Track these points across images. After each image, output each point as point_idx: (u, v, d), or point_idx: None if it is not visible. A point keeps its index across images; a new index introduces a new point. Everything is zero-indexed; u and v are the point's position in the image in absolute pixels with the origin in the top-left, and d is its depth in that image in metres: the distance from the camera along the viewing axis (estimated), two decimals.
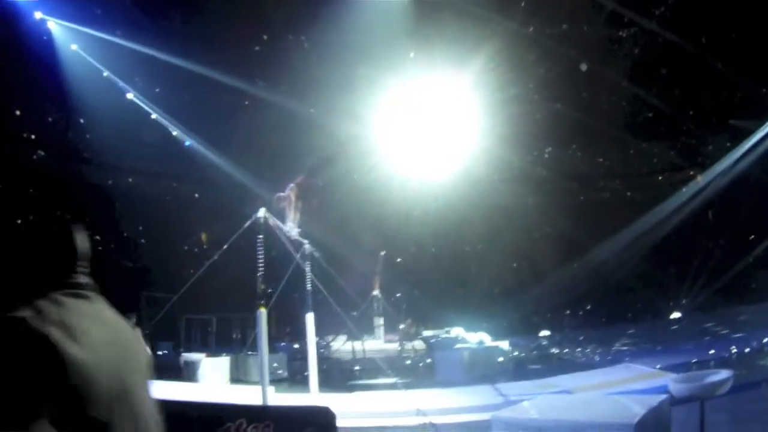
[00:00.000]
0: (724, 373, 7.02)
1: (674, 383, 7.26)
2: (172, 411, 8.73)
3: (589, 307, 29.54)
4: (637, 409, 6.35)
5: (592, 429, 6.08)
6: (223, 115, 26.02)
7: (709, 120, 26.81)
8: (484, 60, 23.60)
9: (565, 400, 7.73)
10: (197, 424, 8.48)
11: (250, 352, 19.17)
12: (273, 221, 11.14)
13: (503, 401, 11.25)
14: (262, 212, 10.79)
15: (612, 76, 26.81)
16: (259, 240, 10.57)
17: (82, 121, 25.94)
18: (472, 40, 23.94)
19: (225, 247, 11.41)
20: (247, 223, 10.74)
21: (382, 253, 27.22)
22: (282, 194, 12.44)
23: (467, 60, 23.63)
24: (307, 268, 12.86)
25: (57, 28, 22.92)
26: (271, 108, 25.49)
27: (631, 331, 23.09)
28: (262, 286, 10.38)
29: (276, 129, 25.88)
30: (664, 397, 7.05)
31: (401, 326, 25.60)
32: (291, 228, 12.05)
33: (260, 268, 10.45)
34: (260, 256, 10.49)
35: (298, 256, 12.60)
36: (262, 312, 10.27)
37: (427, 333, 26.27)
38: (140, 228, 30.01)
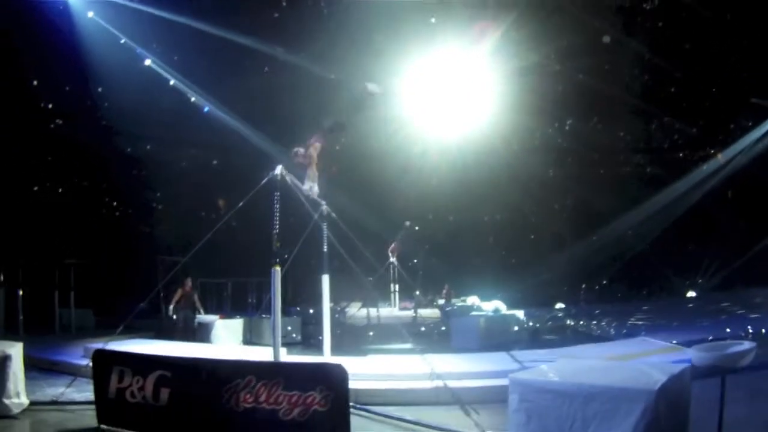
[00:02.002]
0: (747, 344, 6.86)
1: (696, 352, 7.10)
2: (180, 367, 8.78)
3: (605, 282, 29.47)
4: (659, 375, 6.22)
5: (613, 393, 5.97)
6: (243, 81, 25.90)
7: (731, 97, 26.46)
8: (506, 28, 23.32)
9: (585, 364, 7.56)
10: (205, 380, 8.45)
11: (264, 315, 19.19)
12: (291, 179, 10.99)
13: (519, 367, 11.15)
14: (279, 169, 10.65)
15: (635, 49, 26.50)
16: (275, 197, 10.43)
17: (100, 89, 25.88)
18: (494, 7, 23.70)
19: (240, 205, 11.22)
20: (264, 180, 10.58)
21: (407, 222, 27.11)
22: (300, 149, 12.14)
23: (489, 27, 23.36)
24: (324, 229, 12.75)
25: None
26: (291, 73, 25.35)
27: (646, 307, 22.99)
28: (278, 244, 10.26)
29: (296, 95, 25.74)
30: (685, 365, 6.91)
31: (416, 293, 25.56)
32: (310, 187, 11.85)
33: (276, 226, 10.32)
34: (276, 214, 10.36)
35: (315, 216, 12.46)
36: (277, 270, 10.16)
37: (441, 301, 26.28)
38: (158, 194, 30.07)
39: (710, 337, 13.53)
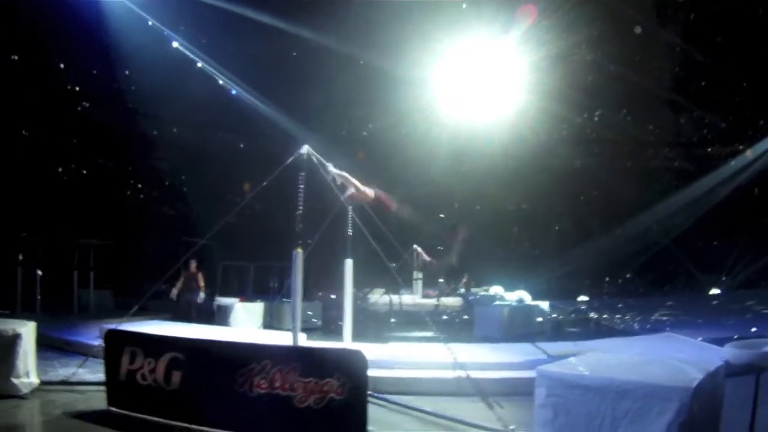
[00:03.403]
0: None
1: (732, 349, 6.86)
2: (194, 349, 8.63)
3: (628, 275, 29.26)
4: (695, 372, 6.00)
5: (646, 390, 5.75)
6: (271, 65, 25.82)
7: (762, 92, 26.08)
8: (537, 17, 23.08)
9: (616, 358, 7.32)
10: (219, 364, 8.30)
11: (285, 299, 19.07)
12: (317, 158, 10.83)
13: (545, 359, 10.95)
14: (305, 148, 10.48)
15: (667, 40, 26.20)
16: (300, 177, 10.26)
17: (126, 72, 25.88)
18: None
19: (263, 184, 11.06)
20: (290, 159, 10.42)
21: (441, 215, 26.93)
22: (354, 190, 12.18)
23: (519, 14, 23.14)
24: (350, 211, 12.58)
25: None
26: (320, 58, 25.26)
27: (669, 303, 22.73)
28: (301, 226, 10.10)
29: (325, 80, 25.65)
30: (720, 363, 6.68)
31: (440, 281, 25.44)
32: (336, 172, 11.73)
33: (300, 207, 10.16)
34: (300, 194, 10.20)
35: (342, 197, 12.29)
36: (299, 252, 9.99)
37: (462, 290, 26.14)
38: (184, 177, 30.14)
39: (736, 336, 13.27)
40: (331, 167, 11.61)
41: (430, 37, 22.98)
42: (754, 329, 15.79)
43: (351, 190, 12.34)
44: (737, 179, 26.47)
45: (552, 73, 24.36)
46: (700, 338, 13.51)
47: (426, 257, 25.88)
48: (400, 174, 27.52)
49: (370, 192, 12.52)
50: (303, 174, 10.37)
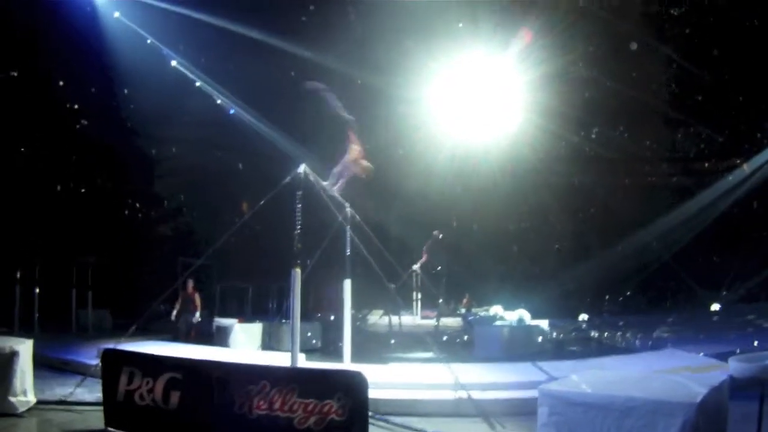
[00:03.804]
0: None
1: (736, 363, 6.79)
2: (192, 369, 8.56)
3: (628, 293, 29.18)
4: (698, 387, 5.94)
5: (650, 406, 5.69)
6: (269, 84, 25.84)
7: (759, 106, 26.14)
8: (532, 35, 23.15)
9: (618, 375, 7.27)
10: (218, 385, 8.22)
11: (284, 320, 18.97)
12: (314, 178, 10.81)
13: (546, 378, 10.86)
14: (302, 167, 10.46)
15: (663, 55, 26.27)
16: (297, 196, 10.23)
17: (125, 90, 25.92)
18: (520, 13, 23.53)
19: (261, 203, 11.03)
20: (287, 179, 10.39)
21: (436, 232, 26.83)
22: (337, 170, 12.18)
23: (515, 34, 23.20)
24: (348, 231, 12.55)
25: None
26: (318, 77, 25.27)
27: (670, 319, 22.69)
28: (299, 245, 10.05)
29: (322, 99, 25.66)
30: (724, 377, 6.64)
31: (440, 301, 25.34)
32: (332, 183, 11.74)
33: (297, 226, 10.12)
34: (298, 213, 10.16)
35: (340, 218, 12.27)
36: (297, 272, 9.96)
37: (463, 310, 26.05)
38: (182, 197, 30.12)
39: (738, 350, 13.21)
40: (328, 185, 11.61)
41: (427, 55, 23.03)
42: (756, 343, 15.73)
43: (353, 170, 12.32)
44: (735, 193, 26.43)
45: (549, 91, 24.39)
46: (702, 353, 13.46)
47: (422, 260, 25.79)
48: (398, 193, 27.50)
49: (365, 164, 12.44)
50: (300, 193, 10.34)
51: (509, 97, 23.83)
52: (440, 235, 26.56)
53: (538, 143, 26.13)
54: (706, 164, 29.37)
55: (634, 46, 25.37)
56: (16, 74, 24.15)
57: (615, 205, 27.76)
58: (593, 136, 28.65)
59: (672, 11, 25.93)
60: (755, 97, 26.05)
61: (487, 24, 23.41)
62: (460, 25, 23.64)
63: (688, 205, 27.21)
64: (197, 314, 19.65)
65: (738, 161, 27.50)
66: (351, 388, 7.53)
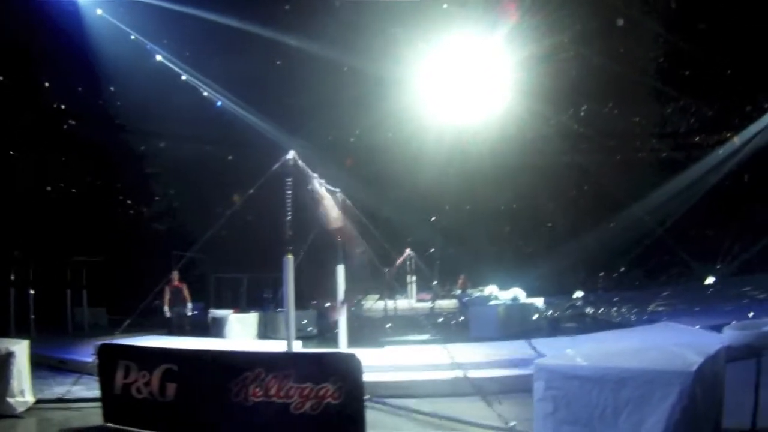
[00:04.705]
0: None
1: (732, 330, 6.78)
2: (187, 359, 8.50)
3: (623, 269, 29.23)
4: (694, 356, 5.90)
5: (647, 377, 5.64)
6: (256, 74, 25.74)
7: (748, 79, 26.10)
8: (521, 15, 23.06)
9: (614, 347, 7.24)
10: (213, 374, 8.17)
11: (279, 309, 18.96)
12: (303, 164, 10.71)
13: (541, 355, 10.85)
14: (291, 154, 10.38)
15: (650, 31, 26.19)
16: (287, 183, 10.15)
17: (111, 88, 25.78)
18: None
19: (250, 192, 10.94)
20: (276, 165, 10.31)
21: (433, 217, 26.77)
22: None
23: (501, 14, 23.12)
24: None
25: None
26: (304, 65, 25.18)
27: (666, 293, 22.72)
28: (290, 232, 9.99)
29: (309, 86, 25.56)
30: (720, 346, 6.60)
31: (434, 283, 25.36)
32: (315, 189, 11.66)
33: (288, 213, 10.05)
34: (288, 200, 10.08)
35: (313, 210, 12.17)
36: (290, 258, 9.91)
37: (458, 291, 26.07)
38: (173, 192, 30.02)
39: (734, 321, 13.21)
40: (315, 182, 11.52)
41: (414, 38, 22.96)
42: (751, 314, 15.71)
43: (322, 212, 12.21)
44: (726, 166, 26.43)
45: (537, 71, 24.37)
46: (698, 326, 13.46)
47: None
48: (389, 176, 27.46)
49: (336, 222, 12.32)
50: (290, 180, 10.26)
51: (498, 77, 23.77)
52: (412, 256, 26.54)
53: (526, 123, 26.13)
54: (697, 138, 29.38)
55: (620, 22, 25.28)
56: (1, 78, 23.95)
57: (607, 181, 27.75)
58: (582, 114, 28.61)
59: None
60: (744, 69, 25.99)
61: (476, 4, 23.31)
62: (445, 6, 23.51)
63: (679, 179, 27.23)
64: (189, 305, 19.59)
65: (728, 134, 27.50)
66: (346, 370, 7.48)
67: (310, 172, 11.18)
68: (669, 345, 6.93)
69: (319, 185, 11.80)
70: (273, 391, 7.65)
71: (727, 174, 26.35)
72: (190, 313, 19.54)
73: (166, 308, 19.31)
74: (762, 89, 26.20)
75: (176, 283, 19.53)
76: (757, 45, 24.54)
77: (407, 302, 25.13)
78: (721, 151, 27.19)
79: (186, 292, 19.64)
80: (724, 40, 25.34)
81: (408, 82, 24.04)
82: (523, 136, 26.65)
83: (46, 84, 25.48)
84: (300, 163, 10.64)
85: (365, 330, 18.61)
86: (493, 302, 20.50)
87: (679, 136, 29.90)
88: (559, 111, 27.60)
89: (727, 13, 24.69)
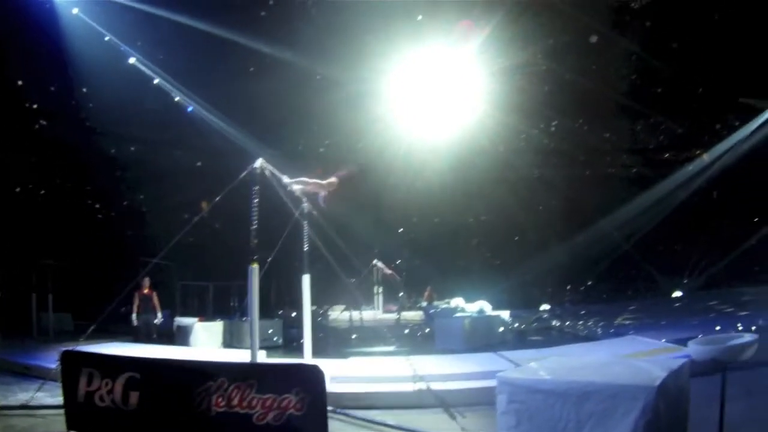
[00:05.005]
0: (748, 336, 6.53)
1: (696, 345, 6.76)
2: (150, 368, 8.39)
3: (590, 282, 29.42)
4: (658, 371, 5.90)
5: (609, 391, 5.63)
6: (228, 81, 25.61)
7: (718, 97, 26.37)
8: (492, 27, 23.11)
9: (577, 362, 7.22)
10: (176, 383, 8.06)
11: (244, 318, 18.84)
12: (270, 171, 10.63)
13: (507, 368, 10.80)
14: (259, 162, 10.30)
15: (622, 48, 26.38)
16: (253, 191, 10.07)
17: (84, 89, 25.50)
18: (479, 7, 23.48)
19: (217, 199, 10.86)
20: (243, 174, 10.23)
21: (400, 229, 26.73)
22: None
23: (473, 28, 23.15)
24: (305, 227, 12.40)
25: None
26: (277, 73, 25.08)
27: (632, 307, 22.90)
28: (255, 241, 9.91)
29: (282, 95, 25.47)
30: (684, 360, 6.62)
31: (400, 295, 25.34)
32: (291, 182, 11.59)
33: (254, 222, 9.96)
34: (254, 209, 10.01)
35: (296, 213, 12.10)
36: (254, 268, 9.82)
37: (424, 303, 26.08)
38: (142, 196, 29.78)
39: (700, 335, 13.29)
40: (286, 179, 11.44)
41: (387, 49, 22.91)
42: (717, 328, 15.84)
43: (322, 193, 12.26)
44: (695, 183, 26.69)
45: (508, 84, 24.40)
46: (663, 339, 13.54)
47: (387, 270, 25.78)
48: (358, 187, 27.41)
49: (333, 179, 12.36)
50: (256, 188, 10.19)
51: (468, 90, 23.80)
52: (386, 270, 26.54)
53: (496, 136, 26.15)
54: (666, 155, 29.62)
55: (593, 39, 25.42)
56: None
57: (576, 196, 27.90)
58: (552, 128, 28.74)
59: (632, 4, 26.03)
60: (714, 88, 26.24)
61: (447, 16, 23.33)
62: (420, 17, 23.51)
63: (648, 195, 27.45)
64: (159, 314, 19.45)
65: (698, 152, 27.76)
66: (308, 381, 7.42)
67: (279, 175, 11.12)
68: (633, 359, 6.91)
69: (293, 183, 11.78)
70: (236, 402, 7.57)
71: (696, 190, 26.59)
72: (157, 322, 19.41)
73: (134, 315, 19.16)
74: (731, 108, 26.47)
75: (146, 290, 19.39)
76: (727, 64, 24.81)
77: (373, 313, 25.09)
78: (691, 168, 27.44)
79: (156, 300, 19.54)
80: (696, 58, 25.56)
81: (379, 94, 24.02)
82: (493, 149, 26.68)
83: (19, 82, 25.16)
84: (270, 169, 10.57)
85: (330, 340, 18.58)
86: (459, 314, 20.52)
87: (649, 152, 30.12)
88: (530, 125, 27.67)
89: (700, 32, 24.91)
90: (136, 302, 19.23)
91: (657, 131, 29.61)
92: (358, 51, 23.22)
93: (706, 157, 26.99)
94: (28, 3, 21.83)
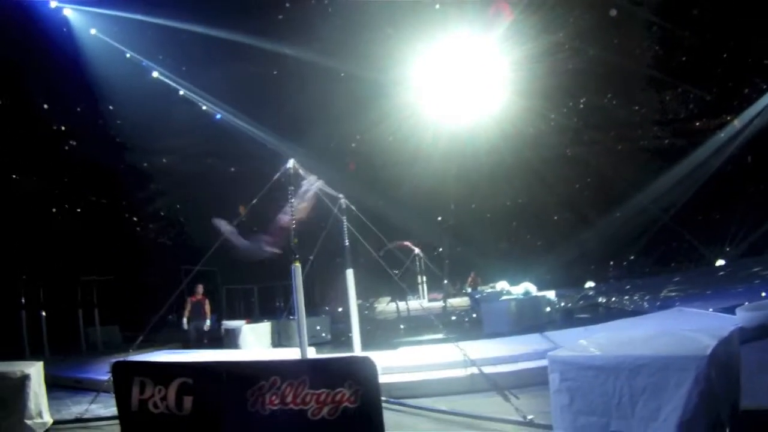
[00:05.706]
0: None
1: (744, 312, 6.78)
2: (201, 372, 8.52)
3: (632, 257, 29.24)
4: (708, 340, 5.90)
5: (660, 363, 5.65)
6: (253, 85, 25.75)
7: (743, 60, 26.09)
8: (516, 11, 23.05)
9: (626, 336, 7.22)
10: (228, 385, 8.18)
11: (291, 317, 18.97)
12: (304, 172, 10.76)
13: (556, 347, 10.83)
14: (291, 162, 10.42)
15: (644, 20, 26.16)
16: (289, 191, 10.20)
17: (110, 106, 25.79)
18: None
19: (253, 202, 10.99)
20: (277, 175, 10.37)
21: (439, 217, 26.77)
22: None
23: (496, 14, 23.10)
24: (345, 222, 12.50)
25: (74, 14, 22.51)
26: (301, 73, 25.20)
27: (677, 279, 22.67)
28: (295, 240, 10.02)
29: (307, 94, 25.58)
30: (733, 328, 6.59)
31: (445, 282, 25.38)
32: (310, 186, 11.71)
33: (293, 222, 10.09)
34: (292, 209, 10.14)
35: (335, 210, 12.21)
36: (297, 267, 9.94)
37: (469, 288, 26.11)
38: (178, 206, 30.06)
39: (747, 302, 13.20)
40: (308, 182, 11.56)
41: (410, 39, 22.93)
42: (764, 294, 15.69)
43: (303, 203, 12.24)
44: (728, 149, 26.43)
45: (535, 65, 24.32)
46: (710, 309, 13.43)
47: (404, 243, 25.80)
48: (392, 178, 27.47)
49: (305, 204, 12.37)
50: (292, 188, 10.31)
51: (496, 74, 23.75)
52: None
53: (527, 118, 26.11)
54: (697, 123, 29.36)
55: (613, 12, 25.25)
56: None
57: (610, 171, 27.76)
58: (581, 106, 28.61)
59: None
60: (739, 52, 25.97)
61: (470, 5, 23.29)
62: (437, 6, 23.49)
63: (682, 165, 27.21)
64: (208, 321, 19.66)
65: (728, 117, 27.50)
66: (360, 374, 7.41)
67: (306, 174, 11.23)
68: (682, 330, 6.91)
69: (312, 185, 11.86)
70: (289, 399, 7.62)
71: (729, 157, 26.34)
72: (207, 328, 19.62)
73: (184, 320, 19.40)
74: (758, 71, 26.18)
75: (199, 296, 19.61)
76: (750, 27, 24.52)
77: (418, 302, 25.15)
78: (723, 135, 27.19)
79: (208, 307, 19.74)
80: (718, 24, 25.31)
81: (405, 84, 24.04)
82: (525, 130, 26.64)
83: (45, 106, 25.48)
84: (301, 171, 10.69)
85: (378, 332, 18.65)
86: (504, 298, 20.46)
87: (679, 122, 29.88)
88: (558, 105, 27.60)
89: None
90: (188, 308, 19.45)
91: (685, 100, 29.36)
92: (379, 44, 23.32)
93: (737, 123, 26.72)
94: (46, 28, 22.11)
